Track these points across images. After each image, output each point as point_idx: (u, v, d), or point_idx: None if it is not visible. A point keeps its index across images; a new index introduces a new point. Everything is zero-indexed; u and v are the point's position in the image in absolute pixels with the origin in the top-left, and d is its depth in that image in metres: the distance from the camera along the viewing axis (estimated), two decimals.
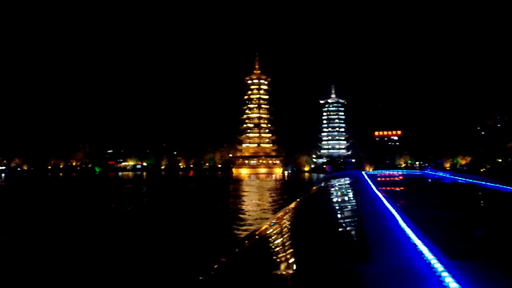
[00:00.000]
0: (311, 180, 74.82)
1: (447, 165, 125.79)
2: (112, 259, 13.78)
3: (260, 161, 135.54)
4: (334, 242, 5.81)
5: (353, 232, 6.35)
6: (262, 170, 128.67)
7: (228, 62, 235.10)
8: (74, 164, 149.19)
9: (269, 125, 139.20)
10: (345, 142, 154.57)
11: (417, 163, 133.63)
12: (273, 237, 7.09)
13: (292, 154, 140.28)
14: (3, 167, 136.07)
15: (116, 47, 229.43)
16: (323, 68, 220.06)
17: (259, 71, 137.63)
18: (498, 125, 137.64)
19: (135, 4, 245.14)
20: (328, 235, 6.42)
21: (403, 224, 5.71)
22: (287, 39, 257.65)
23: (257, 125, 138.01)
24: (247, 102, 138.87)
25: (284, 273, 4.38)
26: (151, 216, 25.89)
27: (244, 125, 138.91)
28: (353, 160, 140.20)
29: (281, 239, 6.63)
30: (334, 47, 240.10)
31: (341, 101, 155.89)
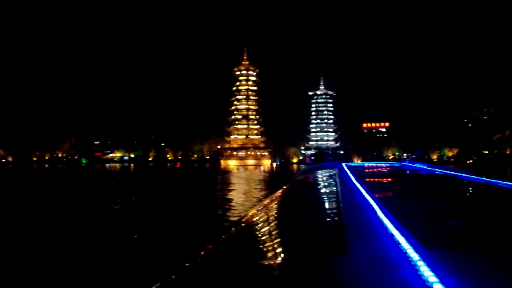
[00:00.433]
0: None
1: (434, 156, 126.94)
2: (98, 247, 13.74)
3: (249, 152, 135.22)
4: (312, 233, 5.83)
5: (331, 223, 6.35)
6: (251, 161, 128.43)
7: (216, 53, 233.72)
8: (60, 155, 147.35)
9: (258, 117, 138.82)
10: (333, 133, 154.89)
11: (404, 154, 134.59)
12: (256, 227, 7.27)
13: (280, 145, 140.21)
14: None
15: (102, 38, 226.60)
16: (311, 60, 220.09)
17: (247, 62, 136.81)
18: (485, 118, 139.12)
19: None
20: (306, 226, 6.43)
21: (381, 215, 5.67)
22: (275, 30, 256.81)
23: (246, 117, 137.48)
24: (235, 93, 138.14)
25: (265, 262, 4.45)
26: (137, 207, 25.43)
27: (233, 117, 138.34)
28: (342, 152, 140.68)
29: (264, 229, 6.78)
30: (322, 39, 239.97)
31: (330, 92, 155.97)
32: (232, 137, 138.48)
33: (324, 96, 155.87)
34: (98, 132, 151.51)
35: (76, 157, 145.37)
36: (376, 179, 18.14)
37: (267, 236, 6.08)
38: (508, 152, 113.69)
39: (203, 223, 18.10)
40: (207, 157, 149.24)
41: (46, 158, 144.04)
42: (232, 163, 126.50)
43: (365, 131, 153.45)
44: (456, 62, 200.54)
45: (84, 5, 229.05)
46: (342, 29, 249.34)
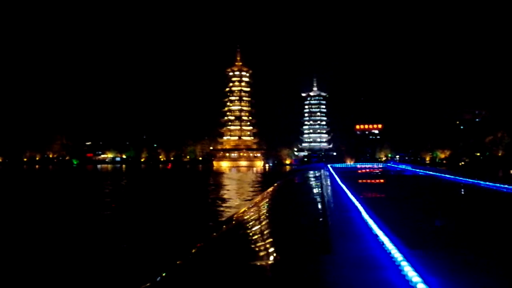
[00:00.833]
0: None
1: (427, 158, 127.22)
2: (90, 245, 13.84)
3: (241, 154, 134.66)
4: (298, 234, 5.88)
5: (316, 224, 6.40)
6: (243, 163, 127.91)
7: (209, 54, 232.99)
8: (51, 156, 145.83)
9: (251, 118, 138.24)
10: (326, 135, 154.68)
11: (397, 156, 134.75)
12: (245, 227, 7.45)
13: (273, 147, 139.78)
14: None
15: (93, 38, 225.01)
16: (305, 61, 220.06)
17: (240, 63, 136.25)
18: (477, 120, 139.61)
19: None
20: (292, 227, 6.47)
21: (365, 216, 5.80)
22: (268, 31, 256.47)
23: (238, 118, 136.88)
24: (228, 94, 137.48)
25: (252, 261, 4.48)
26: (128, 207, 25.22)
27: (225, 118, 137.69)
28: (334, 153, 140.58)
29: (252, 229, 6.90)
30: (316, 40, 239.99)
31: (323, 94, 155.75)
32: (224, 138, 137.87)
33: (317, 98, 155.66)
34: (90, 132, 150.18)
35: (67, 157, 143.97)
36: (359, 180, 18.20)
37: (256, 235, 6.13)
38: (500, 154, 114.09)
39: (192, 225, 17.67)
40: (200, 158, 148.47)
41: (37, 158, 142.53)
42: (224, 164, 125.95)
43: (358, 132, 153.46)
44: (448, 64, 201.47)
45: (74, 6, 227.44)
46: (336, 30, 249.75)
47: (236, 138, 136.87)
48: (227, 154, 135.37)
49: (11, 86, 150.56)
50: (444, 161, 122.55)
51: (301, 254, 4.56)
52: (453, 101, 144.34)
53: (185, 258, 5.01)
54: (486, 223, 6.55)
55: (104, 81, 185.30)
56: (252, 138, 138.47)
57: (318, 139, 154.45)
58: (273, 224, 6.96)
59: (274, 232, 6.10)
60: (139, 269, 10.03)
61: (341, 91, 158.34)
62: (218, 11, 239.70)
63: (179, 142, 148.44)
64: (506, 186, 11.34)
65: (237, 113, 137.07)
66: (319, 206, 8.49)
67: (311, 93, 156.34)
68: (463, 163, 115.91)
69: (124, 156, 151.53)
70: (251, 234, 6.46)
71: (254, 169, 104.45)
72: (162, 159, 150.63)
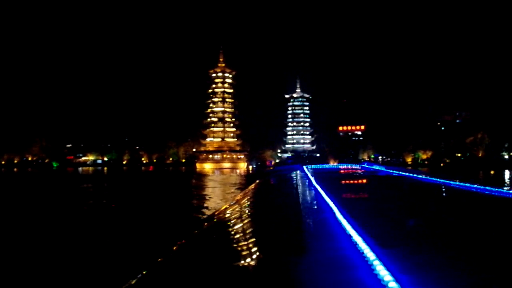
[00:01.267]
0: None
1: (409, 159, 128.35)
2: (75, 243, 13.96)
3: (225, 155, 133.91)
4: (273, 234, 5.92)
5: (291, 224, 6.49)
6: (226, 164, 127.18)
7: (192, 55, 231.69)
8: (30, 159, 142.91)
9: (234, 120, 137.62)
10: (310, 136, 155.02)
11: (380, 157, 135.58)
12: (225, 226, 7.78)
13: (257, 148, 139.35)
14: None
15: (73, 40, 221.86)
16: (288, 63, 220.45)
17: (223, 64, 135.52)
18: (457, 121, 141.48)
19: None
20: (268, 228, 6.55)
21: (339, 216, 5.95)
22: (252, 33, 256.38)
23: (222, 119, 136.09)
24: (211, 95, 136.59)
25: (231, 262, 4.46)
26: (110, 208, 25.09)
27: (208, 119, 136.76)
28: (318, 155, 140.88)
29: (231, 228, 7.11)
30: (299, 41, 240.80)
31: (306, 95, 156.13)
32: (208, 140, 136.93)
33: (300, 99, 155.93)
34: (70, 135, 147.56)
35: (46, 160, 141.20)
36: (334, 181, 18.46)
37: (235, 235, 6.25)
38: (480, 155, 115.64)
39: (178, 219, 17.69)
40: (183, 160, 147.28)
41: (15, 161, 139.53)
42: (208, 166, 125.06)
43: (341, 134, 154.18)
44: (429, 66, 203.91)
45: (58, 6, 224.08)
46: (318, 31, 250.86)
47: (219, 139, 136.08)
48: (210, 156, 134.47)
49: None
50: (426, 162, 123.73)
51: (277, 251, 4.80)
52: (434, 102, 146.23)
53: (166, 255, 5.10)
54: (453, 221, 6.82)
55: (85, 82, 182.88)
56: (235, 139, 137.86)
57: (302, 141, 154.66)
58: (249, 224, 7.08)
59: (250, 232, 6.23)
60: (120, 268, 9.92)
61: (324, 93, 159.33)
62: (201, 12, 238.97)
63: (162, 144, 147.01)
64: (475, 186, 11.58)
65: (220, 115, 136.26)
66: (290, 203, 8.99)
67: (294, 95, 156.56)
68: (444, 164, 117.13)
69: (105, 159, 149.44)
70: (230, 234, 6.56)
71: (238, 170, 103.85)
72: (144, 162, 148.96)
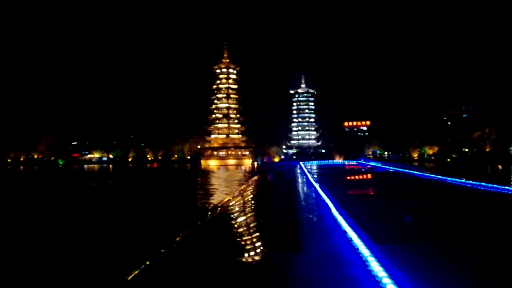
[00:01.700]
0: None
1: (415, 155, 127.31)
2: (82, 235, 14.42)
3: (229, 152, 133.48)
4: (271, 232, 6.14)
5: (288, 221, 6.64)
6: (231, 161, 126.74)
7: (196, 51, 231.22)
8: (35, 157, 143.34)
9: (238, 116, 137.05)
10: (315, 132, 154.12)
11: (385, 153, 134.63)
12: (225, 221, 8.12)
13: (261, 145, 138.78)
14: None
15: (78, 37, 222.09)
16: (293, 58, 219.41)
17: (227, 60, 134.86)
18: (464, 115, 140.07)
19: None
20: (266, 225, 6.81)
21: (335, 212, 6.09)
22: (256, 28, 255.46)
23: (226, 116, 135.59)
24: (215, 92, 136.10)
25: (228, 258, 4.54)
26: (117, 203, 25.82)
27: (213, 116, 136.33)
28: (323, 151, 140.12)
29: (229, 226, 7.36)
30: (303, 37, 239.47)
31: (311, 91, 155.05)
32: (212, 136, 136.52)
33: (305, 95, 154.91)
34: (76, 132, 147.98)
35: (52, 158, 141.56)
36: (330, 177, 18.45)
37: (233, 232, 6.47)
38: (488, 150, 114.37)
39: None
40: (188, 157, 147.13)
41: (21, 159, 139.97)
42: (212, 163, 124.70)
43: (346, 129, 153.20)
44: (435, 60, 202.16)
45: (56, 5, 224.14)
46: (323, 27, 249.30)
47: (224, 136, 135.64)
48: (215, 153, 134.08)
49: None
50: (432, 157, 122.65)
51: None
52: (441, 97, 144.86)
53: (170, 246, 5.29)
54: (448, 218, 6.85)
55: (91, 80, 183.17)
56: (240, 136, 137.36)
57: (307, 137, 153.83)
58: (247, 221, 7.41)
59: (250, 228, 6.48)
60: (125, 258, 10.19)
61: (329, 88, 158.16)
62: (205, 7, 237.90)
63: (167, 141, 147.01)
64: (471, 182, 11.51)
65: (225, 111, 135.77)
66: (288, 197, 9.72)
67: (299, 90, 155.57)
68: (450, 159, 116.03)
69: (111, 156, 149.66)
70: (229, 231, 6.80)
71: (242, 167, 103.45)
72: (150, 159, 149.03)
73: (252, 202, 11.00)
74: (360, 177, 17.96)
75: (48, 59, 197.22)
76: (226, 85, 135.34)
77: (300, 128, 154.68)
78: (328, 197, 8.27)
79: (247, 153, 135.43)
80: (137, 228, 15.39)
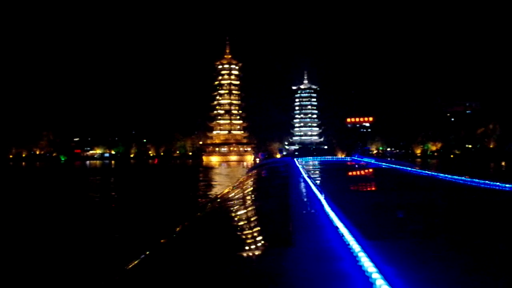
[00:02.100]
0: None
1: (418, 151, 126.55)
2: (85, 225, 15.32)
3: (231, 148, 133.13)
4: (263, 228, 6.02)
5: (281, 217, 6.55)
6: (233, 157, 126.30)
7: (198, 47, 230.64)
8: (37, 153, 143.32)
9: (240, 112, 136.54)
10: (317, 128, 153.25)
11: (388, 149, 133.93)
12: (220, 214, 8.55)
13: (263, 141, 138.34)
14: None
15: (79, 33, 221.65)
16: (295, 54, 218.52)
17: (229, 56, 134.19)
18: (468, 112, 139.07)
19: None
20: (258, 221, 6.69)
21: (327, 209, 6.00)
22: (258, 24, 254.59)
23: (228, 112, 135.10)
24: (217, 88, 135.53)
25: (221, 255, 4.56)
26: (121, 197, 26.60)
27: (215, 112, 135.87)
28: (326, 147, 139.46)
29: (223, 220, 7.58)
30: (306, 32, 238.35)
31: (314, 87, 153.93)
32: (214, 132, 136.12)
33: (308, 91, 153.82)
34: (78, 128, 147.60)
35: (54, 154, 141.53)
36: (324, 173, 18.67)
37: (225, 227, 6.54)
38: (491, 146, 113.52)
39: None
40: (190, 153, 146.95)
41: (23, 155, 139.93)
42: (214, 159, 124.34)
43: (349, 125, 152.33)
44: (438, 56, 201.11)
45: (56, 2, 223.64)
46: (326, 23, 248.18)
47: (226, 132, 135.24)
48: (217, 149, 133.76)
49: None
50: (436, 154, 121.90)
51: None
52: (444, 93, 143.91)
53: (169, 237, 5.46)
54: (436, 214, 6.74)
55: (92, 76, 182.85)
56: (242, 132, 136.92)
57: (309, 133, 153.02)
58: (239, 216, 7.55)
59: (244, 224, 6.52)
60: (127, 248, 10.53)
61: (332, 84, 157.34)
62: (207, 3, 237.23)
63: (169, 137, 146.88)
64: (462, 178, 11.65)
65: (227, 107, 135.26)
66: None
67: (302, 86, 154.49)
68: (454, 155, 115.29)
69: (113, 152, 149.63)
70: (220, 223, 7.07)
71: (244, 163, 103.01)
72: (152, 155, 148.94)
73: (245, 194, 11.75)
74: (350, 173, 18.71)
75: (49, 55, 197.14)
76: (228, 81, 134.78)
77: (302, 124, 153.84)
78: (317, 190, 8.61)
79: (249, 149, 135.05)
80: (139, 220, 15.96)
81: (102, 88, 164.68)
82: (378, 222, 6.18)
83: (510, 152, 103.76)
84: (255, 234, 5.83)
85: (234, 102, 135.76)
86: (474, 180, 11.29)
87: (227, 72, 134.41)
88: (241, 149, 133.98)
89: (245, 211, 8.63)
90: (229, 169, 71.23)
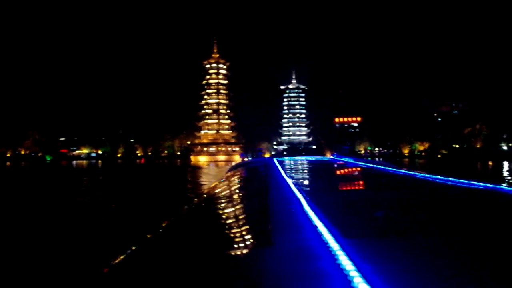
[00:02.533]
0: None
1: (406, 151, 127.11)
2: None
3: (219, 148, 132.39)
4: (242, 228, 6.16)
5: (259, 217, 6.66)
6: (221, 157, 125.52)
7: (186, 46, 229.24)
8: (22, 152, 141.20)
9: (229, 111, 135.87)
10: (306, 128, 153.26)
11: (376, 149, 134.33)
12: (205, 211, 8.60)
13: (252, 141, 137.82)
14: None
15: (67, 30, 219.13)
16: (283, 53, 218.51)
17: (217, 55, 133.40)
18: (454, 112, 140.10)
19: None
20: (236, 222, 6.82)
21: (306, 208, 6.05)
22: (246, 23, 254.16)
23: (216, 111, 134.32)
24: (205, 87, 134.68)
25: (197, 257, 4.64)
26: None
27: (203, 111, 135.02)
28: (314, 147, 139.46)
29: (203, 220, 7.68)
30: (294, 32, 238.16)
31: (302, 86, 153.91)
32: (202, 132, 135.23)
33: (296, 90, 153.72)
34: (64, 128, 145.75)
35: (40, 154, 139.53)
36: (303, 173, 18.92)
37: (205, 228, 6.62)
38: (478, 146, 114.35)
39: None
40: (178, 153, 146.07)
41: (8, 155, 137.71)
42: (202, 159, 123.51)
43: (337, 125, 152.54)
44: (426, 56, 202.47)
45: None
46: (314, 22, 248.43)
47: (214, 132, 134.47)
48: (205, 149, 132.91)
49: None
50: (423, 154, 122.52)
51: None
52: (431, 93, 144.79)
53: (156, 231, 5.55)
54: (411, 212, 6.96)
55: (78, 75, 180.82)
56: (230, 132, 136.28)
57: (298, 132, 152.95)
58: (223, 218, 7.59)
59: (224, 225, 6.65)
60: (113, 244, 10.77)
61: (320, 84, 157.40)
62: (195, 2, 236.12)
63: (157, 136, 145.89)
64: (439, 177, 11.97)
65: (215, 107, 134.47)
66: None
67: (290, 86, 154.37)
68: (441, 155, 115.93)
69: (100, 152, 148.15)
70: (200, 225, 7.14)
71: (233, 163, 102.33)
72: (139, 155, 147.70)
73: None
74: (327, 171, 19.87)
75: (34, 53, 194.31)
76: (216, 80, 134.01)
77: (291, 124, 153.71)
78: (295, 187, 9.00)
79: (237, 149, 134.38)
80: (126, 217, 16.39)
81: (89, 87, 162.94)
82: (354, 220, 6.23)
83: (496, 152, 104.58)
84: (233, 235, 5.88)
85: (222, 101, 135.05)
86: (449, 178, 11.50)
87: (215, 71, 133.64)
88: (229, 148, 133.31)
89: (224, 211, 8.72)
90: (217, 169, 70.59)
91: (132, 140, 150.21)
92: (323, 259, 3.56)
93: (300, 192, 7.97)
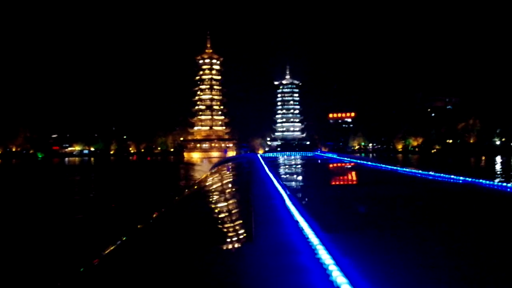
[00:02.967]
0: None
1: (399, 146, 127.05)
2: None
3: (213, 144, 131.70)
4: (222, 224, 6.15)
5: (241, 213, 6.67)
6: (215, 153, 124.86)
7: (179, 42, 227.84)
8: (13, 150, 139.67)
9: (222, 107, 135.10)
10: (299, 124, 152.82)
11: (370, 144, 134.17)
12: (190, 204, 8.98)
13: (245, 137, 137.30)
14: None
15: (59, 26, 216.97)
16: (277, 49, 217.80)
17: (210, 51, 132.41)
18: (448, 107, 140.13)
19: None
20: (218, 218, 6.82)
21: (288, 203, 6.05)
22: (240, 18, 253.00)
23: (209, 107, 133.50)
24: (198, 83, 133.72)
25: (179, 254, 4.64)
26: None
27: (196, 107, 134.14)
28: (308, 143, 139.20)
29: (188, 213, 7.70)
30: (289, 27, 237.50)
31: (296, 82, 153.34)
32: (195, 128, 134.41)
33: (290, 86, 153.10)
34: (56, 124, 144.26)
35: (31, 151, 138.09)
36: (286, 169, 19.01)
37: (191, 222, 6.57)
38: (472, 141, 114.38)
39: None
40: (171, 150, 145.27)
41: None
42: (196, 155, 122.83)
43: (331, 121, 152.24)
44: (419, 52, 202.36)
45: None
46: (308, 18, 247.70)
47: (207, 128, 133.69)
48: (198, 145, 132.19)
49: None
50: (417, 149, 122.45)
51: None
52: (425, 88, 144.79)
53: (146, 222, 5.71)
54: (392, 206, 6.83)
55: (71, 71, 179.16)
56: (224, 128, 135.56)
57: (292, 128, 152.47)
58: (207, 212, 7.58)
59: (207, 220, 6.58)
60: (105, 234, 10.92)
61: (314, 80, 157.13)
62: None
63: (150, 133, 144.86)
64: (419, 171, 12.09)
65: (208, 102, 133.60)
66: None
67: (284, 81, 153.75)
68: (435, 150, 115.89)
69: (92, 149, 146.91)
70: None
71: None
72: (132, 151, 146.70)
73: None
74: (309, 167, 20.21)
75: (26, 50, 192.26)
76: (209, 76, 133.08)
77: (284, 119, 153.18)
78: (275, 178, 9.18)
79: (231, 145, 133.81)
80: (117, 209, 16.83)
81: (81, 84, 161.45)
82: (337, 215, 6.24)
83: (490, 147, 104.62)
84: (215, 231, 5.82)
85: (216, 97, 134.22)
86: (429, 173, 11.78)
87: (208, 66, 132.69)
88: (222, 145, 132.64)
89: (206, 207, 8.67)
90: (210, 165, 70.09)
91: (125, 137, 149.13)
92: (303, 254, 3.61)
93: (283, 189, 7.83)
